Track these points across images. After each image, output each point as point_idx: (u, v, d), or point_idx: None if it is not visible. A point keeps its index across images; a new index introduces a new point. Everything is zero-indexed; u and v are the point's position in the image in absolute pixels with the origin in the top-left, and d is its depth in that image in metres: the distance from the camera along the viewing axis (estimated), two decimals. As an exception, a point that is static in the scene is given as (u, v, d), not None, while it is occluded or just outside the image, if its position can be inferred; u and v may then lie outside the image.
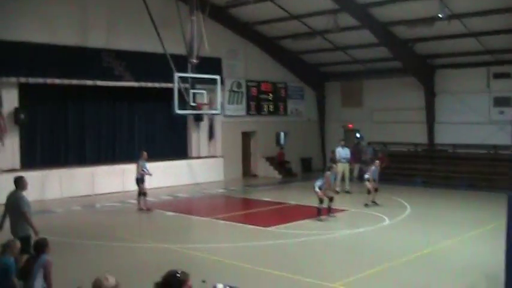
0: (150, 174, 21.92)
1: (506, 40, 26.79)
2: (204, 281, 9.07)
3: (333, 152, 27.60)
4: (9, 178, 12.90)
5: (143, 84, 27.20)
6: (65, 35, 24.58)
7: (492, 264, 10.74)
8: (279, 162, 33.49)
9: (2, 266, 8.85)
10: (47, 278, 8.81)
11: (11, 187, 11.94)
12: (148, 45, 25.85)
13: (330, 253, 15.05)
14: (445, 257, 14.23)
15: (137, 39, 26.44)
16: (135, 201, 21.97)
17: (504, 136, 28.19)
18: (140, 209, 21.26)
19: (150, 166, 22.15)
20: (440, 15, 24.79)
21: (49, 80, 24.00)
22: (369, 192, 21.90)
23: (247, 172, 33.17)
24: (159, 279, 5.34)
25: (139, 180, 21.45)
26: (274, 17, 29.38)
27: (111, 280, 5.62)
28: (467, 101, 29.86)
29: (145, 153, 21.95)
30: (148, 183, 22.06)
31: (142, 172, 21.55)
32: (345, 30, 28.24)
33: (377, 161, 23.14)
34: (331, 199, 19.39)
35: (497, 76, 29.40)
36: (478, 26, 26.27)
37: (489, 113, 29.49)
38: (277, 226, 18.16)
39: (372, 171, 22.27)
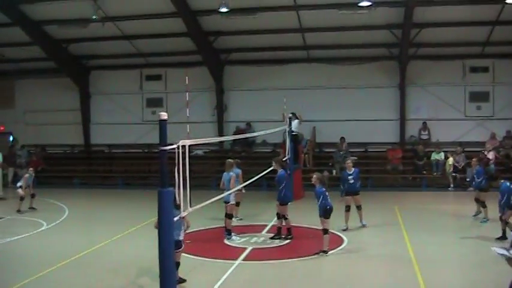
0: None
1: (156, 44, 28.13)
2: None
3: (-17, 156, 25.90)
4: None
5: None
6: None
7: (150, 258, 11.16)
8: None
9: None
10: None
11: None
12: None
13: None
14: (106, 255, 14.37)
15: None
16: None
17: (157, 135, 29.42)
18: None
19: None
20: (94, 17, 24.96)
21: None
22: (21, 199, 21.12)
23: None
24: None
25: None
26: None
27: None
28: (121, 101, 30.66)
29: None
30: None
31: None
32: (-6, 27, 26.67)
33: (31, 168, 22.32)
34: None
35: (150, 78, 30.84)
36: (131, 29, 27.12)
37: (142, 113, 30.70)
38: None
39: (26, 178, 21.51)
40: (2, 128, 32.87)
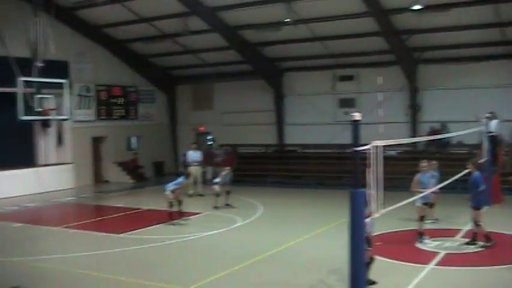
0: None
1: (348, 44, 28.12)
2: None
3: (185, 155, 27.52)
4: None
5: (-17, 88, 25.40)
6: None
7: (339, 259, 11.19)
8: (132, 167, 32.94)
9: None
10: None
11: None
12: (-11, 46, 24.35)
13: (183, 257, 14.92)
14: (296, 253, 14.63)
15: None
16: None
17: (349, 135, 29.36)
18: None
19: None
20: (287, 20, 25.52)
21: None
22: (217, 195, 22.11)
23: (98, 178, 32.24)
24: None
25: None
26: (124, 19, 28.89)
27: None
28: (314, 102, 30.98)
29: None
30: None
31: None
32: (195, 34, 28.37)
33: (227, 167, 23.33)
34: (180, 202, 19.28)
35: (342, 79, 30.78)
36: (323, 30, 27.38)
37: (335, 113, 30.77)
38: (130, 232, 17.80)
39: (223, 176, 22.51)
40: (201, 128, 34.75)
